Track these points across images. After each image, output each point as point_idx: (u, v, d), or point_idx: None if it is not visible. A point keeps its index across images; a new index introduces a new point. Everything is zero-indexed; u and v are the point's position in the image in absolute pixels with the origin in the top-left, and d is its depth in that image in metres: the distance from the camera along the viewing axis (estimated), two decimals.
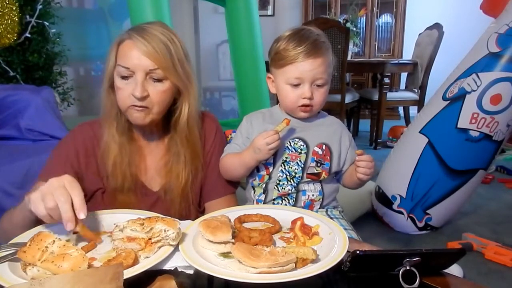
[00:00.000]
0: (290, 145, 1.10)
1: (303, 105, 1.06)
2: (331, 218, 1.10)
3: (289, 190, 1.09)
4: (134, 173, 1.05)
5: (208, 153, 1.13)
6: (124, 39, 0.99)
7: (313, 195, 1.11)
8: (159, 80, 0.99)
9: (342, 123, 1.19)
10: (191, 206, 1.10)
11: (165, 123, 1.08)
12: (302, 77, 1.04)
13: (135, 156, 1.06)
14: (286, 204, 1.10)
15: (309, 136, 1.11)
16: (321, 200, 1.12)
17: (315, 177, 1.10)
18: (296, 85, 1.05)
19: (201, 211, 1.14)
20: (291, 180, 1.09)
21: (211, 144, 1.14)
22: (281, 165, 1.09)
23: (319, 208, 1.12)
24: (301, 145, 1.10)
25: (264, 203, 1.11)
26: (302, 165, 1.09)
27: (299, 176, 1.09)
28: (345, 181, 1.17)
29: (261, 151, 1.02)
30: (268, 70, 1.15)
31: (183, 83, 1.02)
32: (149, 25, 1.01)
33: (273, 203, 1.11)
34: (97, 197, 1.06)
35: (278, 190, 1.10)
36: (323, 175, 1.10)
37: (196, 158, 1.08)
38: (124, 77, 0.98)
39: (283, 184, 1.10)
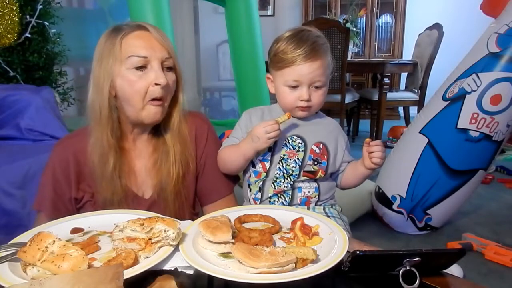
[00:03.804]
0: (288, 142, 1.10)
1: (301, 106, 1.07)
2: (328, 216, 1.10)
3: (284, 187, 1.10)
4: (124, 184, 1.02)
5: (202, 156, 1.12)
6: (128, 32, 0.96)
7: (308, 191, 1.11)
8: (170, 70, 0.99)
9: (339, 125, 1.20)
10: (185, 206, 1.09)
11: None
12: (300, 80, 1.04)
13: (124, 167, 1.03)
14: (282, 202, 1.10)
15: (307, 134, 1.11)
16: (317, 196, 1.12)
17: (311, 175, 1.10)
18: (294, 87, 1.06)
19: (195, 213, 1.13)
20: (288, 178, 1.10)
21: (203, 147, 1.12)
22: (278, 163, 1.10)
23: (315, 205, 1.12)
24: (299, 142, 1.10)
25: (260, 202, 1.11)
26: (300, 163, 1.09)
27: (295, 174, 1.09)
28: (347, 179, 1.16)
29: (259, 140, 1.02)
30: (267, 70, 1.15)
31: (181, 74, 1.04)
32: (141, 21, 1.02)
33: (269, 201, 1.11)
34: (88, 208, 1.04)
35: (274, 187, 1.10)
36: (320, 173, 1.10)
37: (185, 151, 1.07)
38: (139, 68, 0.95)
39: (280, 181, 1.10)
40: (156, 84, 0.95)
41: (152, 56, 0.95)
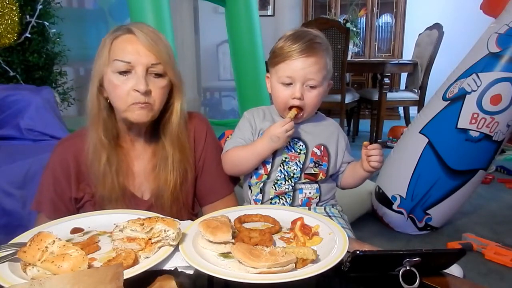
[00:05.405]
0: (290, 145, 1.10)
1: (292, 106, 1.05)
2: (330, 216, 1.10)
3: (286, 189, 1.10)
4: (122, 183, 1.02)
5: (201, 157, 1.11)
6: (119, 35, 0.96)
7: (310, 192, 1.11)
8: (159, 76, 0.97)
9: (338, 125, 1.20)
10: (183, 209, 1.08)
11: (154, 124, 1.05)
12: (293, 76, 1.03)
13: (122, 165, 1.03)
14: (283, 203, 1.10)
15: (308, 137, 1.11)
16: (318, 197, 1.12)
17: (312, 178, 1.10)
18: (288, 84, 1.05)
19: (194, 214, 1.12)
20: (289, 180, 1.10)
21: (202, 147, 1.11)
22: (280, 165, 1.09)
23: (317, 206, 1.12)
24: (300, 145, 1.10)
25: (261, 203, 1.11)
26: (301, 166, 1.09)
27: (297, 177, 1.09)
28: (346, 180, 1.16)
29: (280, 139, 1.03)
30: (267, 70, 1.15)
31: (177, 80, 1.02)
32: (139, 23, 1.00)
33: (271, 202, 1.11)
34: (87, 209, 1.04)
35: (275, 189, 1.10)
36: (321, 175, 1.10)
37: (184, 159, 1.06)
38: (122, 73, 0.94)
39: (281, 183, 1.10)
40: (136, 90, 0.93)
41: (137, 61, 0.93)
